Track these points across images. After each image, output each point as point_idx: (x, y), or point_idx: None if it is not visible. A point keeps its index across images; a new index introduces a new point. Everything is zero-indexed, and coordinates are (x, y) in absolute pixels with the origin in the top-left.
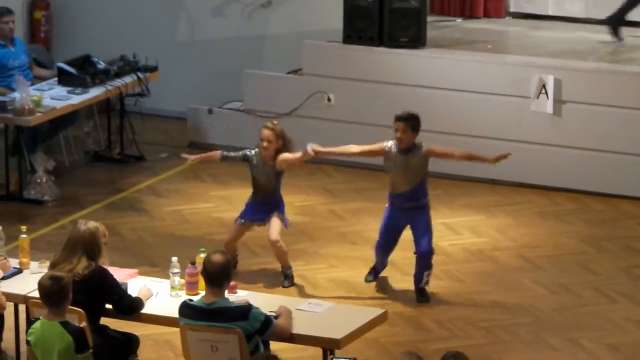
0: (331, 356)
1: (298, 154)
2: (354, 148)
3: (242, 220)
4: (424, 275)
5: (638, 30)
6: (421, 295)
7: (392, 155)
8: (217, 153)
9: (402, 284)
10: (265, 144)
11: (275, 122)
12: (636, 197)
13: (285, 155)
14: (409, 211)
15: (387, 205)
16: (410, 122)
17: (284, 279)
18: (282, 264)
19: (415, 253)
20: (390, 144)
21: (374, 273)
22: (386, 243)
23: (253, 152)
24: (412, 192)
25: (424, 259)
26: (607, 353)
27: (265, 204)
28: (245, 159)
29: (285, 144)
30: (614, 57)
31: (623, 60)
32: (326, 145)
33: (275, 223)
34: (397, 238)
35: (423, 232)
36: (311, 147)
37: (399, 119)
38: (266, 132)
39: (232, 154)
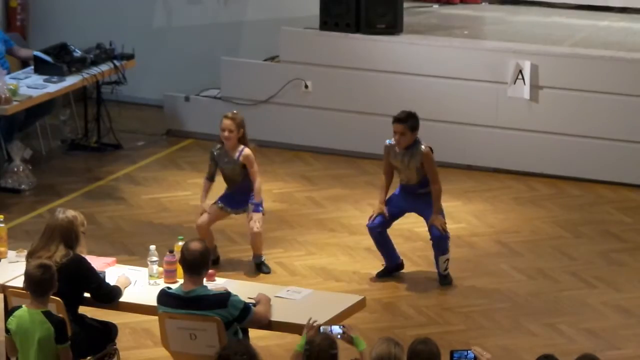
0: (314, 320)
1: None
2: (386, 179)
3: (221, 205)
4: (440, 261)
5: (613, 15)
6: (444, 278)
7: (393, 152)
8: (206, 184)
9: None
10: (226, 133)
11: (235, 112)
12: (612, 181)
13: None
14: (418, 197)
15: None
16: (409, 122)
17: (259, 267)
18: (255, 252)
19: (430, 239)
20: (388, 141)
21: (385, 271)
22: (380, 221)
23: (218, 146)
24: (419, 184)
25: (438, 244)
26: (585, 338)
27: (239, 194)
28: (212, 157)
29: (244, 134)
30: (589, 42)
31: (599, 45)
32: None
33: (256, 215)
34: (397, 214)
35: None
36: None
37: (397, 120)
38: (227, 122)
39: (208, 170)
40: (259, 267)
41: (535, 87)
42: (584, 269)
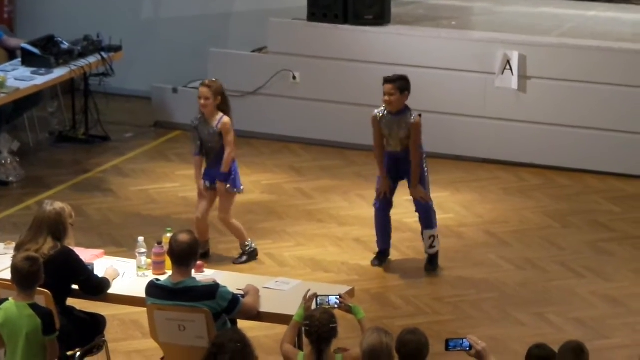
0: (313, 292)
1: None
2: (379, 152)
3: (206, 183)
4: (425, 236)
5: (601, 5)
6: (429, 264)
7: (383, 118)
8: (196, 159)
9: (369, 262)
10: (202, 101)
11: (213, 79)
12: (601, 171)
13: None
14: (405, 163)
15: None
16: (398, 82)
17: (241, 254)
18: (239, 240)
19: (416, 212)
20: (377, 111)
21: (380, 257)
22: (384, 200)
23: (198, 116)
24: (404, 152)
25: (425, 216)
26: (574, 327)
27: (216, 166)
28: (194, 128)
29: (224, 101)
30: (577, 33)
31: (587, 35)
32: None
33: (220, 198)
34: (393, 191)
35: None
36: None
37: (387, 80)
38: (203, 90)
39: (194, 144)
40: (244, 254)
41: (523, 78)
42: (572, 259)
